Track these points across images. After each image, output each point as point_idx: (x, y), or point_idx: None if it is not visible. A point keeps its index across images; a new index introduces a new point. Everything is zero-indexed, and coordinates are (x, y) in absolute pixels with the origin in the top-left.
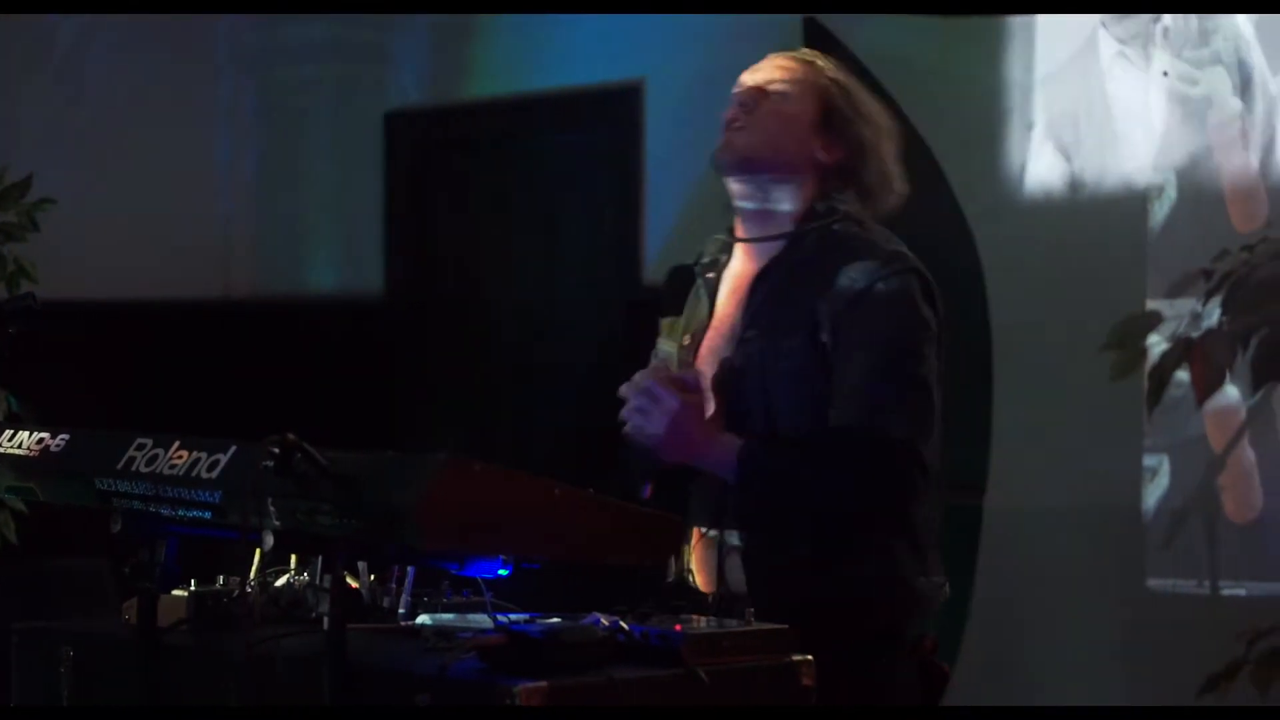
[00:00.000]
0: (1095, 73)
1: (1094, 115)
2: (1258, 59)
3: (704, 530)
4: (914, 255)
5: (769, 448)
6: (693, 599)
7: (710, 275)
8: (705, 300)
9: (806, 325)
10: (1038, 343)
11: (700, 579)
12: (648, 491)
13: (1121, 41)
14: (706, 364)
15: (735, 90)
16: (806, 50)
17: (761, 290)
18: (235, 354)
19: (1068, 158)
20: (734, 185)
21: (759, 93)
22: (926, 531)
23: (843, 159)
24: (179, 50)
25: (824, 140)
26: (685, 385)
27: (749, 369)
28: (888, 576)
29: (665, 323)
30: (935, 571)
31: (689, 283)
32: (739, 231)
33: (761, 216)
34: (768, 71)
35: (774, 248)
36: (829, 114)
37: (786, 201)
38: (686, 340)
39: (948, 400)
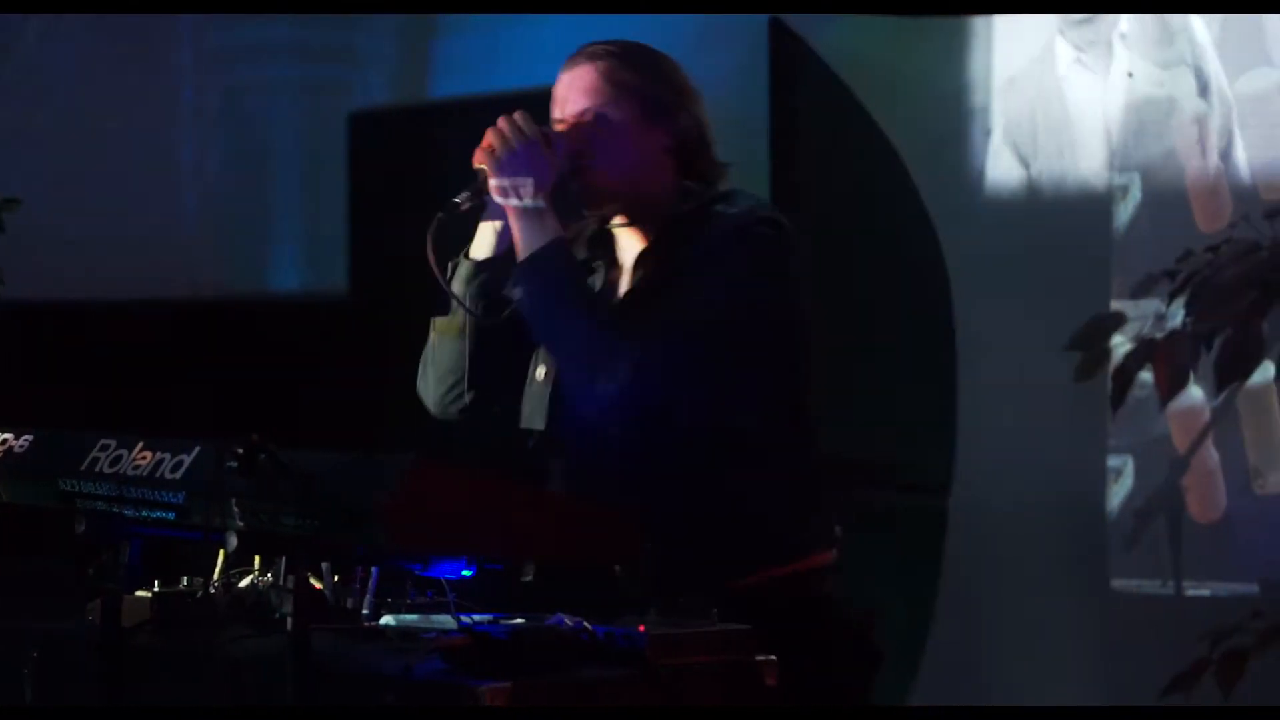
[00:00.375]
0: (1053, 78)
1: (1052, 119)
2: (1216, 62)
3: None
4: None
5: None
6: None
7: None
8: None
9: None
10: (1002, 344)
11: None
12: None
13: (1079, 49)
14: None
15: (558, 129)
16: (584, 53)
17: (640, 269)
18: (200, 354)
19: (1026, 162)
20: None
21: (580, 129)
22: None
23: (679, 131)
24: (143, 50)
25: (654, 127)
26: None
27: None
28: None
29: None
30: None
31: None
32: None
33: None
34: (572, 97)
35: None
36: (645, 104)
37: (654, 189)
38: None
39: (913, 401)
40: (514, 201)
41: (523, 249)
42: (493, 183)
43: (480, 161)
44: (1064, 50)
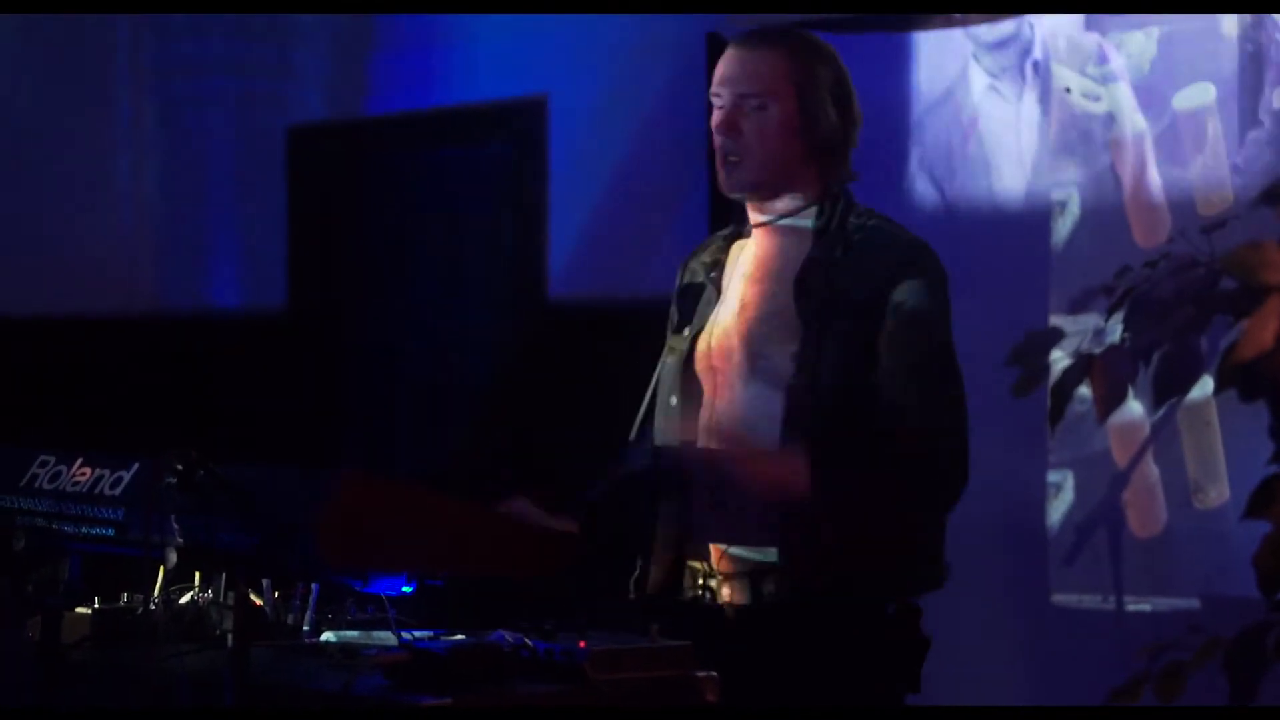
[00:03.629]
0: (972, 97)
1: (979, 137)
2: (1158, 77)
3: (725, 548)
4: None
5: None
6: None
7: (714, 274)
8: (716, 298)
9: (856, 319)
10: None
11: (729, 594)
12: None
13: (993, 75)
14: (757, 351)
15: (716, 103)
16: (763, 30)
17: (810, 289)
18: (138, 370)
19: (956, 179)
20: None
21: (737, 113)
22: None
23: (831, 134)
24: (78, 65)
25: (809, 125)
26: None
27: (813, 362)
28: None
29: (670, 340)
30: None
31: (698, 294)
32: (754, 218)
33: (773, 204)
34: (738, 79)
35: (795, 229)
36: (806, 103)
37: (798, 187)
38: (703, 344)
39: None
40: None
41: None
42: None
43: None
44: (978, 74)
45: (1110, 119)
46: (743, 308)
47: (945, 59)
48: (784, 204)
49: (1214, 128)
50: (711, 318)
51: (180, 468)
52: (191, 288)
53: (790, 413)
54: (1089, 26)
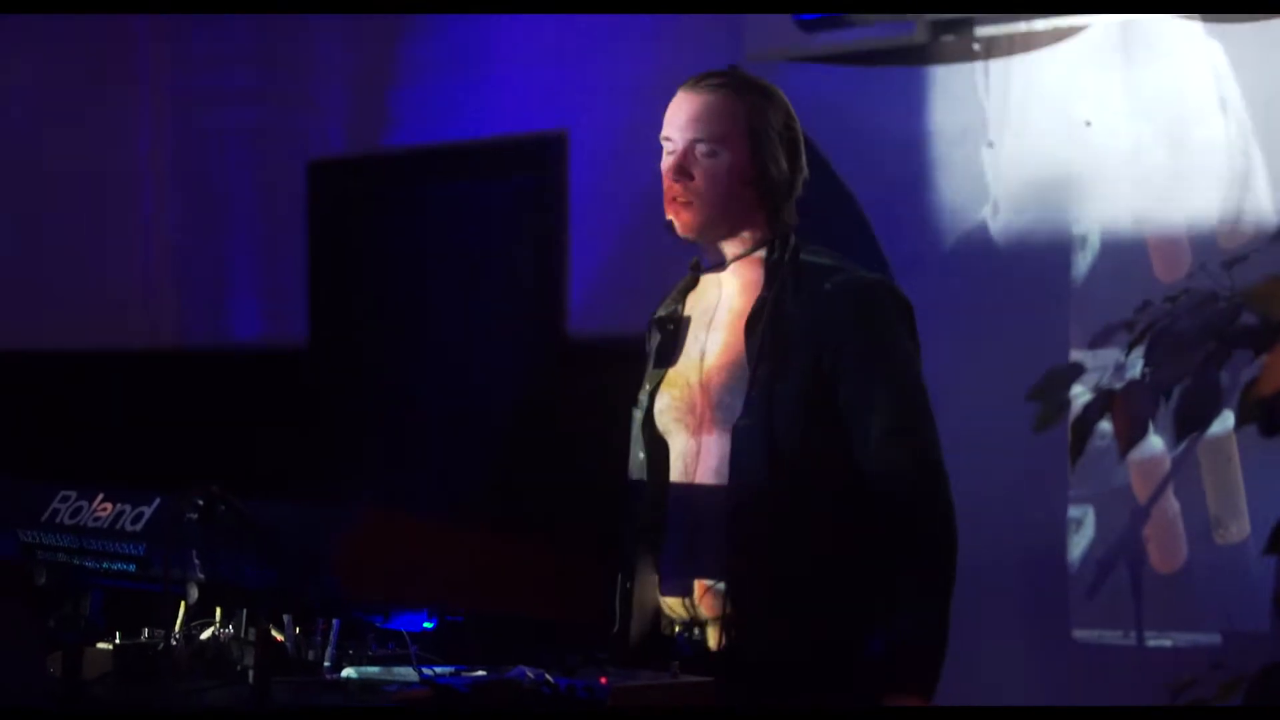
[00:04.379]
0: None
1: (1011, 170)
2: (1188, 111)
3: (709, 583)
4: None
5: None
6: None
7: (672, 327)
8: (674, 353)
9: (808, 358)
10: (961, 393)
11: (712, 634)
12: None
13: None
14: (717, 399)
15: (667, 147)
16: (714, 74)
17: (759, 329)
18: (159, 404)
19: (983, 212)
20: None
21: (688, 158)
22: None
23: (780, 181)
24: (99, 99)
25: (760, 173)
26: None
27: (758, 403)
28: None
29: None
30: None
31: (658, 347)
32: (705, 260)
33: (721, 250)
34: (690, 124)
35: (746, 272)
36: (758, 148)
37: (745, 231)
38: (663, 400)
39: None
40: None
41: None
42: None
43: None
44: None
45: (1133, 154)
46: (701, 357)
47: (964, 92)
48: (733, 248)
49: (1233, 159)
50: (672, 371)
51: (201, 503)
52: (212, 321)
53: (736, 456)
54: (1110, 63)
